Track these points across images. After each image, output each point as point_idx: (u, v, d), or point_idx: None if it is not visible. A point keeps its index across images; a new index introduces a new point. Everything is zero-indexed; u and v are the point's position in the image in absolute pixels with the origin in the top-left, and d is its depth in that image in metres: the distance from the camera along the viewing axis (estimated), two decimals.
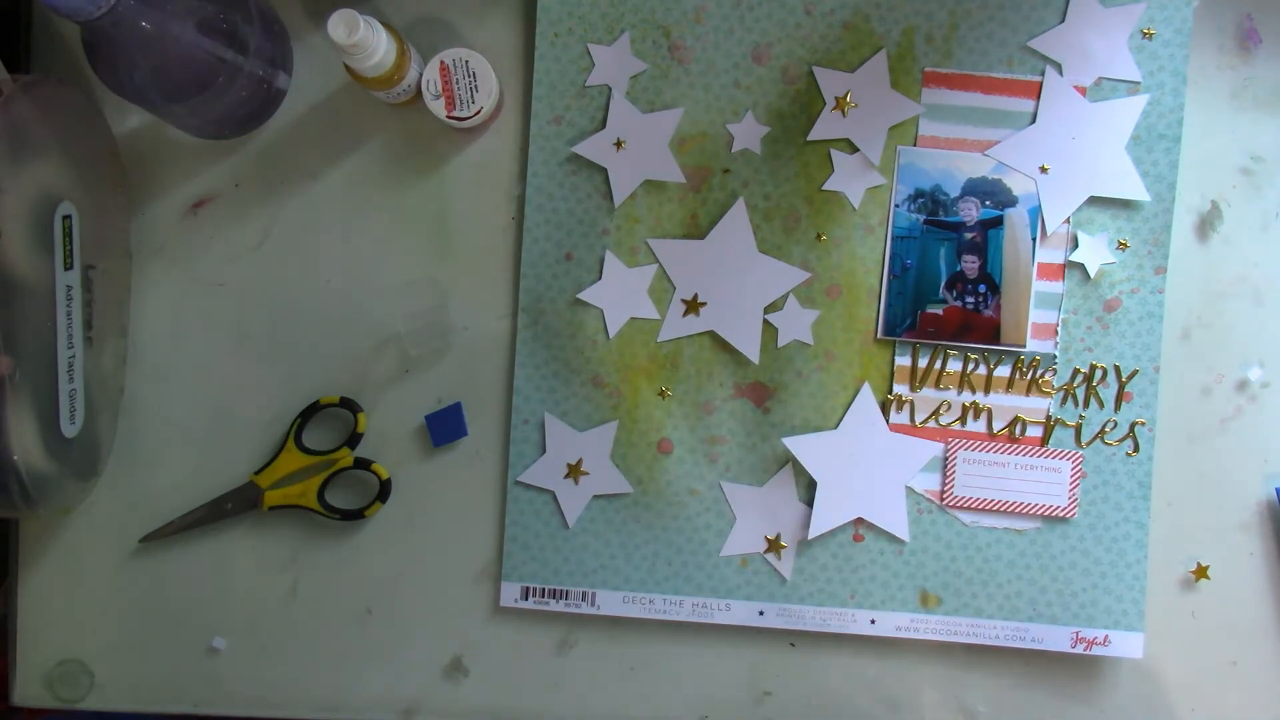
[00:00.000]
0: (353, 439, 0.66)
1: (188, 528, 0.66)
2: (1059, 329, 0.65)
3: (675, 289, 0.65)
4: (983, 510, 0.65)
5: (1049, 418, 0.65)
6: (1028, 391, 0.65)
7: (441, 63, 0.62)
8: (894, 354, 0.65)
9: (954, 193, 0.65)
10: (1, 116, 0.56)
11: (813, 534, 0.65)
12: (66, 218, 0.61)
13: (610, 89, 0.65)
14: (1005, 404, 0.65)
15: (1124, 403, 0.65)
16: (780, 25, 0.65)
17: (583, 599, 0.66)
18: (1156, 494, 0.65)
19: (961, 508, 0.65)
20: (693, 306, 0.65)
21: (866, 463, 0.65)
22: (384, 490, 0.66)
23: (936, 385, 0.65)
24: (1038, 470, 0.65)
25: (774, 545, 0.65)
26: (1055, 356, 0.65)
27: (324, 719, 0.67)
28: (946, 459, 0.65)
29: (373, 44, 0.57)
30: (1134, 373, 0.65)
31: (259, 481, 0.66)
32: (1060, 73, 0.64)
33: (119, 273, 0.66)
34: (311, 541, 0.67)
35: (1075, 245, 0.65)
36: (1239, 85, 0.66)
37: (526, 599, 0.66)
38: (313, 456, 0.66)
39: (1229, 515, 0.66)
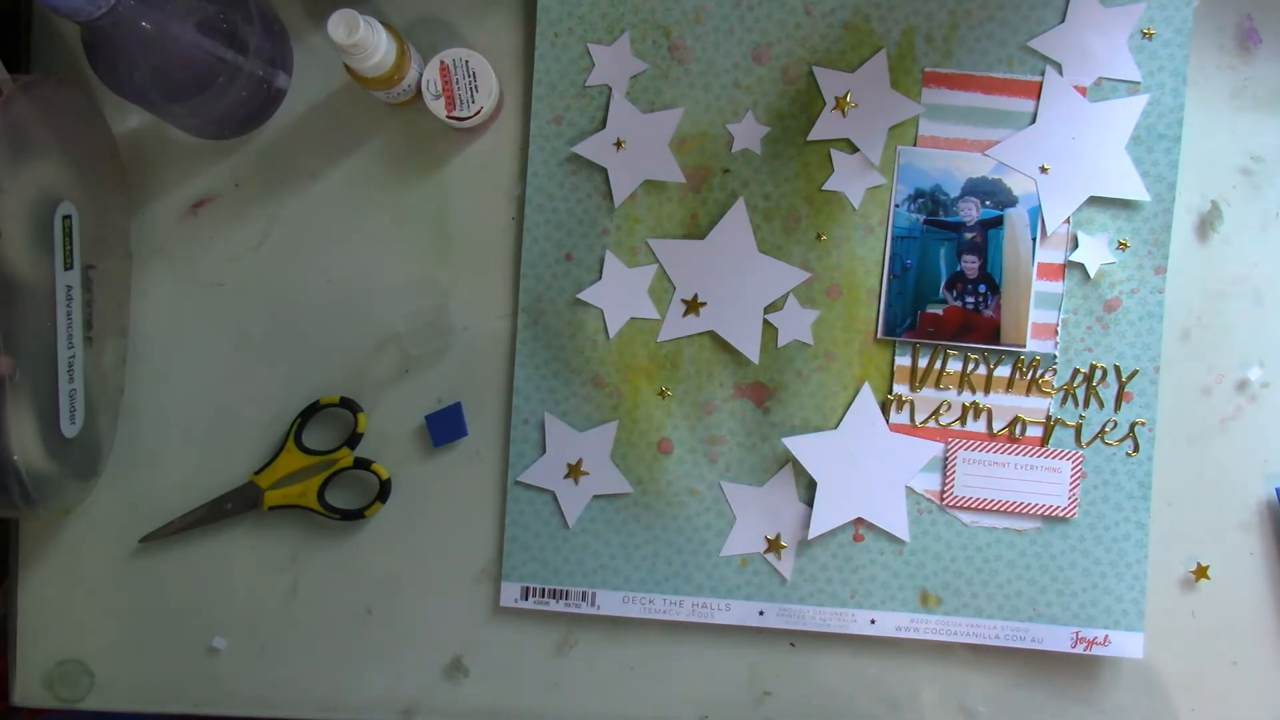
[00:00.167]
0: (353, 439, 0.66)
1: (188, 528, 0.66)
2: (1059, 329, 0.65)
3: (675, 289, 0.65)
4: (983, 510, 0.65)
5: (1049, 418, 0.65)
6: (1028, 391, 0.65)
7: (441, 63, 0.62)
8: (894, 354, 0.65)
9: (954, 193, 0.65)
10: (1, 116, 0.56)
11: (813, 534, 0.65)
12: (66, 218, 0.61)
13: (610, 89, 0.65)
14: (1005, 404, 0.65)
15: (1124, 403, 0.65)
16: (780, 25, 0.65)
17: (583, 599, 0.66)
18: (1156, 494, 0.65)
19: (961, 508, 0.65)
20: (693, 306, 0.65)
21: (866, 463, 0.65)
22: (384, 490, 0.66)
23: (936, 385, 0.65)
24: (1038, 470, 0.65)
25: (774, 545, 0.65)
26: (1055, 356, 0.65)
27: (324, 719, 0.67)
28: (946, 459, 0.65)
29: (373, 44, 0.57)
30: (1134, 373, 0.65)
31: (259, 481, 0.66)
32: (1060, 73, 0.64)
33: (119, 273, 0.66)
34: (311, 541, 0.67)
35: (1075, 245, 0.65)
36: (1239, 85, 0.66)
37: (526, 599, 0.66)
38: (313, 456, 0.66)
39: (1229, 515, 0.66)
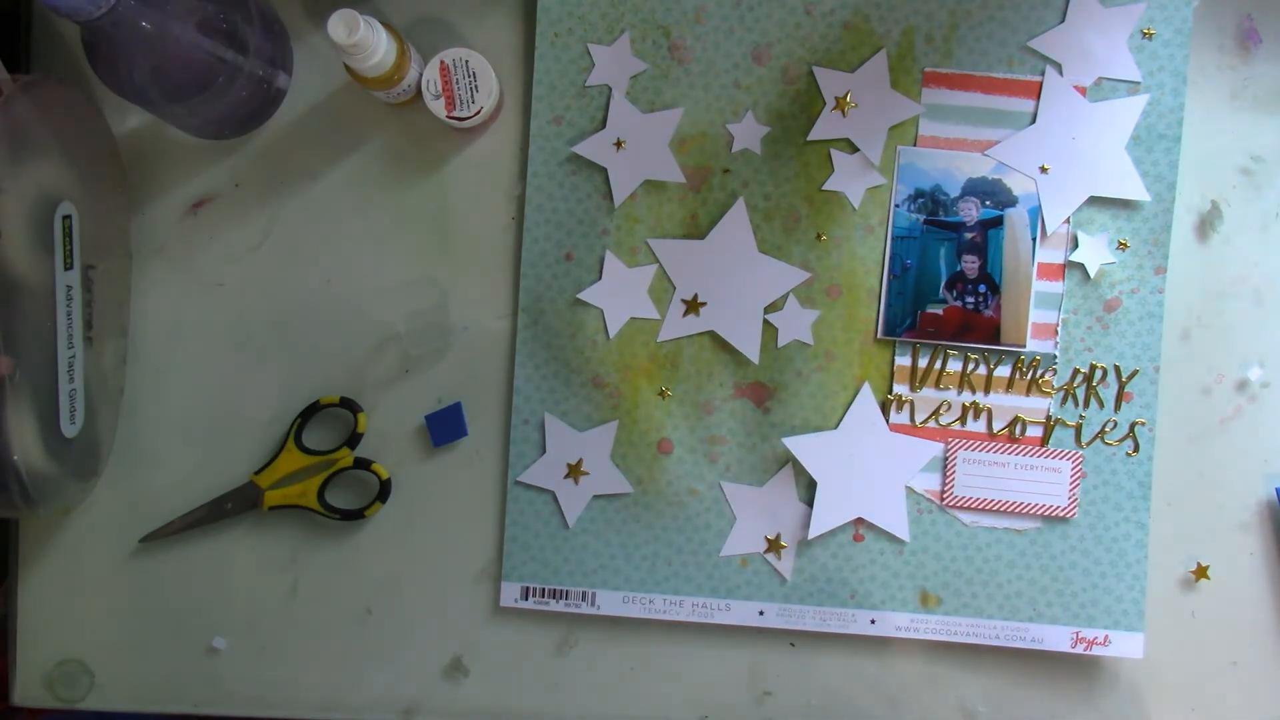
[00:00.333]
0: (353, 439, 0.66)
1: (188, 528, 0.66)
2: (1059, 329, 0.65)
3: (675, 289, 0.66)
4: (983, 510, 0.65)
5: (1049, 418, 0.65)
6: (1028, 391, 0.65)
7: (441, 63, 0.62)
8: (894, 354, 0.65)
9: (954, 193, 0.65)
10: (1, 116, 0.56)
11: (813, 534, 0.65)
12: (66, 218, 0.61)
13: (610, 89, 0.65)
14: (1005, 404, 0.65)
15: (1124, 403, 0.65)
16: (780, 25, 0.65)
17: (583, 599, 0.66)
18: (1156, 494, 0.65)
19: (961, 508, 0.65)
20: (693, 306, 0.65)
21: (866, 463, 0.65)
22: (384, 490, 0.66)
23: (936, 385, 0.65)
24: (1038, 470, 0.65)
25: (774, 545, 0.65)
26: (1055, 356, 0.65)
27: (324, 719, 0.67)
28: (946, 459, 0.65)
29: (373, 44, 0.57)
30: (1134, 373, 0.65)
31: (259, 481, 0.66)
32: (1060, 73, 0.64)
33: (119, 273, 0.66)
34: (311, 541, 0.67)
35: (1075, 245, 0.65)
36: (1239, 85, 0.66)
37: (526, 599, 0.66)
38: (313, 456, 0.66)
39: (1229, 515, 0.66)
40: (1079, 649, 0.65)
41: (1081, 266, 0.65)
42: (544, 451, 0.66)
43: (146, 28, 0.54)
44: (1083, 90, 0.64)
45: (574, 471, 0.66)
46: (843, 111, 0.65)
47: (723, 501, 0.66)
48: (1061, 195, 0.64)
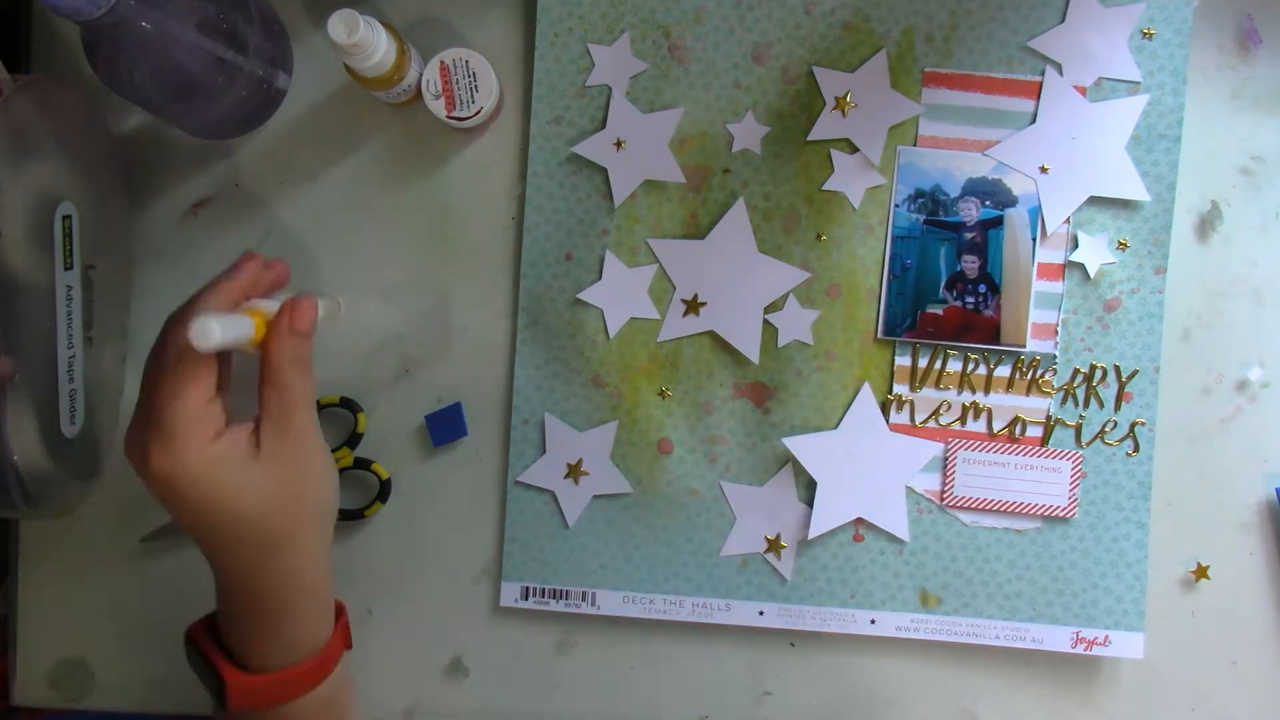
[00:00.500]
0: (353, 439, 0.66)
1: None
2: (1059, 329, 0.65)
3: (675, 289, 0.65)
4: (983, 510, 0.65)
5: (1049, 418, 0.65)
6: (1028, 391, 0.65)
7: (441, 63, 0.62)
8: (894, 354, 0.65)
9: (954, 193, 0.65)
10: (1, 116, 0.56)
11: (813, 534, 0.65)
12: (66, 218, 0.61)
13: (610, 89, 0.65)
14: (1005, 404, 0.65)
15: (1124, 403, 0.65)
16: (780, 25, 0.65)
17: (583, 599, 0.66)
18: (1156, 494, 0.65)
19: (961, 508, 0.65)
20: (693, 306, 0.65)
21: (866, 463, 0.65)
22: (384, 490, 0.66)
23: (936, 385, 0.65)
24: (1038, 470, 0.65)
25: (774, 545, 0.65)
26: (1055, 356, 0.65)
27: None
28: (946, 459, 0.65)
29: (373, 44, 0.57)
30: (1134, 373, 0.65)
31: None
32: (1060, 73, 0.64)
33: (119, 273, 0.66)
34: None
35: (1075, 245, 0.65)
36: (1239, 85, 0.66)
37: (526, 599, 0.66)
38: None
39: (1229, 515, 0.66)
40: (1079, 649, 0.65)
41: (1081, 266, 0.65)
42: (544, 451, 0.66)
43: (146, 28, 0.54)
44: (1083, 90, 0.64)
45: (574, 471, 0.66)
46: (843, 111, 0.65)
47: (723, 501, 0.66)
48: (1061, 195, 0.64)
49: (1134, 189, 0.64)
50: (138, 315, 0.67)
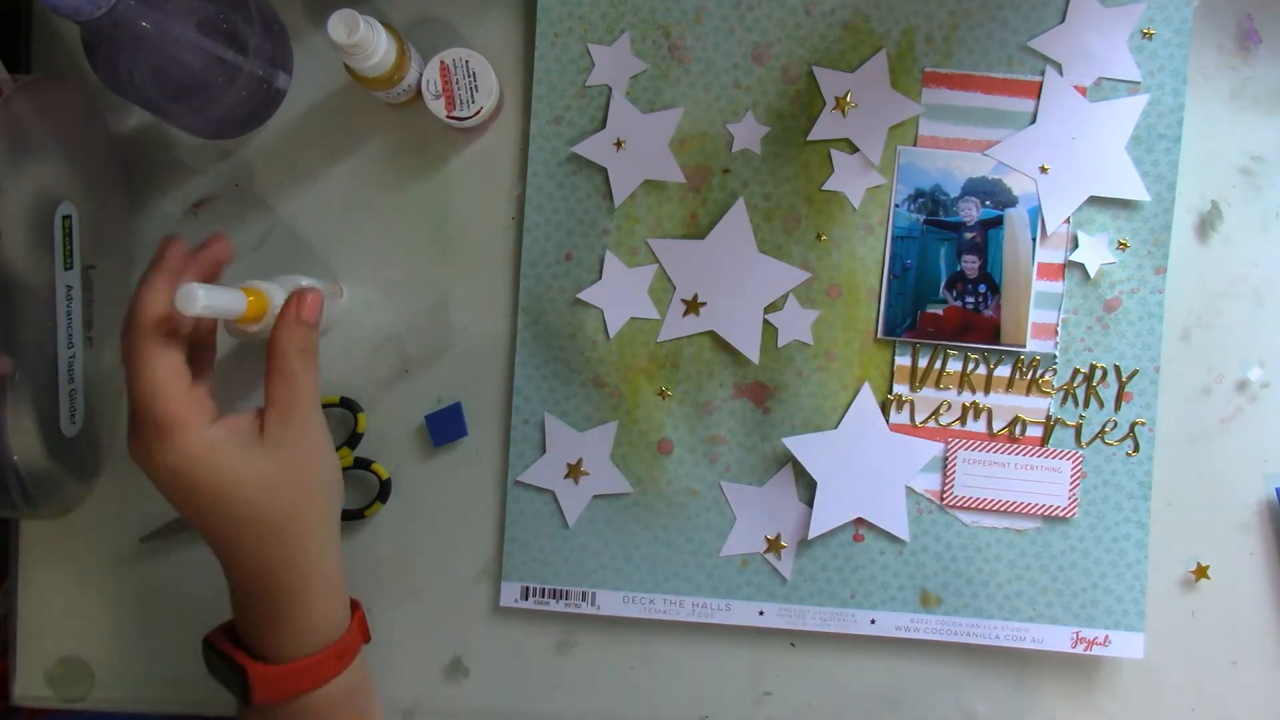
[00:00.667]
0: (353, 439, 0.66)
1: (188, 528, 0.66)
2: (1059, 329, 0.65)
3: (675, 289, 0.65)
4: (983, 510, 0.65)
5: (1049, 418, 0.65)
6: (1028, 391, 0.65)
7: (441, 63, 0.62)
8: (894, 354, 0.65)
9: (954, 193, 0.65)
10: (1, 116, 0.56)
11: (813, 534, 0.65)
12: (66, 218, 0.61)
13: (610, 89, 0.65)
14: (1005, 404, 0.65)
15: (1124, 403, 0.65)
16: (780, 25, 0.65)
17: (583, 599, 0.66)
18: (1156, 494, 0.65)
19: (961, 508, 0.65)
20: (693, 306, 0.65)
21: (866, 463, 0.65)
22: (384, 490, 0.66)
23: (936, 385, 0.65)
24: (1038, 470, 0.65)
25: (774, 545, 0.65)
26: (1055, 356, 0.65)
27: None
28: (946, 459, 0.65)
29: (373, 44, 0.57)
30: (1134, 373, 0.65)
31: None
32: (1060, 73, 0.64)
33: (119, 273, 0.66)
34: None
35: (1075, 245, 0.65)
36: (1239, 85, 0.66)
37: (526, 599, 0.66)
38: None
39: (1229, 515, 0.66)
40: (1079, 649, 0.65)
41: (1081, 266, 0.65)
42: (544, 451, 0.66)
43: (146, 28, 0.54)
44: (1083, 90, 0.64)
45: (574, 471, 0.66)
46: (843, 111, 0.65)
47: (723, 501, 0.66)
48: (1061, 195, 0.64)
49: (1134, 189, 0.64)
50: None
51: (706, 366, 0.66)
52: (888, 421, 0.65)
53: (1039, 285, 0.65)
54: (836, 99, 0.65)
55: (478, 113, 0.63)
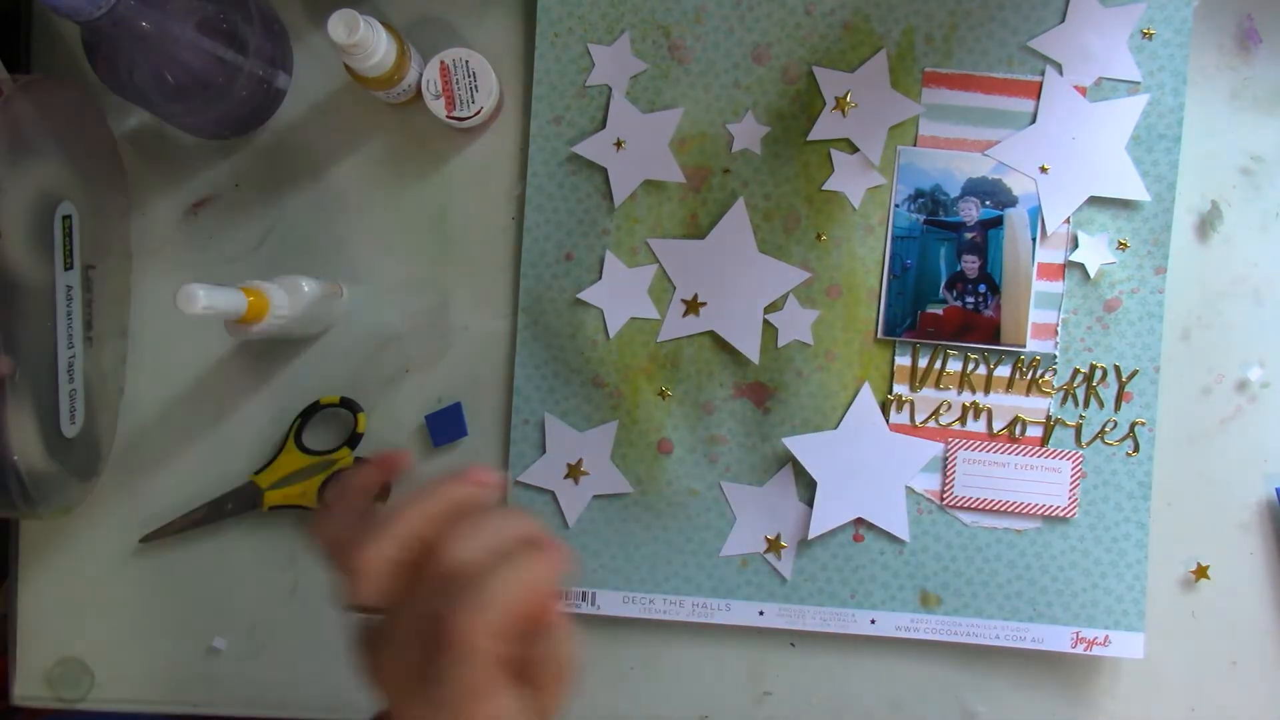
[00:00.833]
0: (353, 439, 0.66)
1: (188, 528, 0.66)
2: (1059, 329, 0.65)
3: (675, 289, 0.65)
4: (983, 510, 0.65)
5: (1049, 418, 0.65)
6: (1028, 391, 0.65)
7: (441, 63, 0.62)
8: (894, 354, 0.65)
9: (954, 193, 0.65)
10: (1, 116, 0.56)
11: (813, 534, 0.65)
12: (66, 218, 0.61)
13: (610, 89, 0.65)
14: (1005, 404, 0.65)
15: (1124, 403, 0.65)
16: (780, 25, 0.65)
17: (583, 599, 0.66)
18: (1156, 494, 0.65)
19: (961, 508, 0.65)
20: (693, 306, 0.65)
21: (866, 463, 0.65)
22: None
23: (936, 385, 0.65)
24: (1038, 470, 0.65)
25: (774, 545, 0.65)
26: (1055, 356, 0.65)
27: (324, 719, 0.67)
28: (946, 459, 0.65)
29: (373, 44, 0.57)
30: (1134, 373, 0.65)
31: (259, 481, 0.66)
32: (1060, 73, 0.64)
33: (119, 273, 0.66)
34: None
35: (1075, 245, 0.65)
36: (1239, 85, 0.66)
37: None
38: (313, 456, 0.66)
39: (1229, 515, 0.66)
40: (1079, 649, 0.65)
41: (1081, 266, 0.65)
42: (544, 451, 0.66)
43: (146, 28, 0.54)
44: (1083, 90, 0.64)
45: (574, 471, 0.66)
46: (843, 111, 0.65)
47: (723, 501, 0.66)
48: (1061, 195, 0.64)
49: (1134, 189, 0.64)
50: (138, 315, 0.67)
51: (706, 366, 0.66)
52: (888, 421, 0.65)
53: (1039, 285, 0.65)
54: (836, 99, 0.65)
55: (478, 113, 0.63)
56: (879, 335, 0.65)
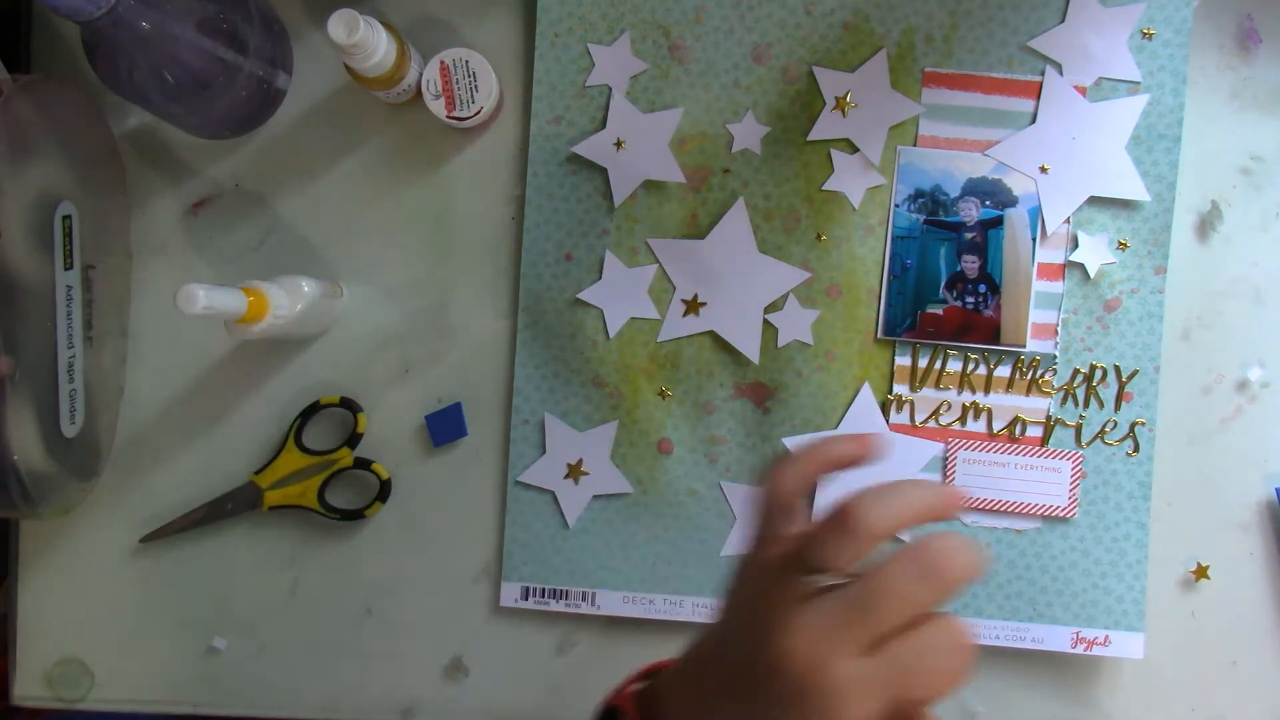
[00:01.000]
0: (353, 439, 0.66)
1: (188, 528, 0.66)
2: (1059, 329, 0.65)
3: (675, 289, 0.65)
4: (983, 510, 0.65)
5: (1049, 418, 0.65)
6: (1028, 391, 0.65)
7: (441, 63, 0.62)
8: (894, 354, 0.65)
9: (954, 193, 0.65)
10: (1, 116, 0.56)
11: None
12: (66, 218, 0.61)
13: (610, 89, 0.65)
14: (1005, 404, 0.65)
15: (1124, 403, 0.65)
16: (780, 25, 0.65)
17: (583, 599, 0.66)
18: (1156, 494, 0.65)
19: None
20: (693, 306, 0.65)
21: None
22: (384, 490, 0.66)
23: (936, 385, 0.65)
24: (1038, 470, 0.65)
25: None
26: (1055, 356, 0.65)
27: (324, 719, 0.67)
28: (946, 459, 0.65)
29: (373, 44, 0.57)
30: (1134, 373, 0.65)
31: (259, 481, 0.66)
32: (1060, 73, 0.64)
33: (119, 273, 0.66)
34: (311, 541, 0.67)
35: (1075, 245, 0.65)
36: (1239, 85, 0.66)
37: (526, 599, 0.66)
38: (313, 456, 0.66)
39: (1229, 515, 0.66)
40: (1079, 649, 0.65)
41: (1081, 266, 0.65)
42: (544, 451, 0.66)
43: (146, 28, 0.54)
44: (1083, 90, 0.64)
45: (574, 471, 0.66)
46: (843, 111, 0.65)
47: (723, 501, 0.66)
48: (1061, 195, 0.64)
49: (1134, 189, 0.64)
50: (138, 315, 0.67)
51: (706, 366, 0.66)
52: (888, 421, 0.65)
53: (1039, 285, 0.65)
54: (836, 99, 0.65)
55: (478, 113, 0.63)
56: (879, 335, 0.65)
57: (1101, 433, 0.65)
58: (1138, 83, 0.64)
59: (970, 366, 0.65)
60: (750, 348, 0.65)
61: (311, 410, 0.66)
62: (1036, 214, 0.64)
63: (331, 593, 0.67)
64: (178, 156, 0.67)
